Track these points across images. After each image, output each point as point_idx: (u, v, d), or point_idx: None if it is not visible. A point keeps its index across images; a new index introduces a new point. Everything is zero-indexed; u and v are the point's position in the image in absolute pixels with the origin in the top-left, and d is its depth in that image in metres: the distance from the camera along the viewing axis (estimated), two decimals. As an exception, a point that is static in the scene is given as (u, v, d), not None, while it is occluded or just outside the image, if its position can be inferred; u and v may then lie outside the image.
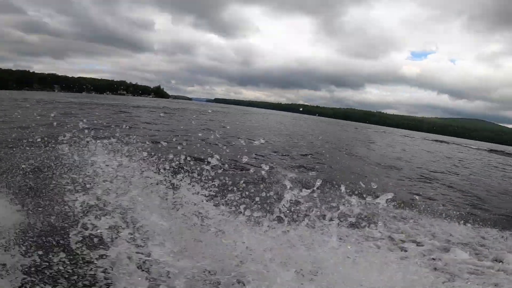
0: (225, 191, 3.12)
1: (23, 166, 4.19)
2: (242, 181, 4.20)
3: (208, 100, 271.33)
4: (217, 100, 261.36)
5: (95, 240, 1.88)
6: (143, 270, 1.79)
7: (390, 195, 2.02)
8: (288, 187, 2.13)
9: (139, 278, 1.75)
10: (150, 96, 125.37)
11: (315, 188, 2.14)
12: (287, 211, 2.20)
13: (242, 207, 2.34)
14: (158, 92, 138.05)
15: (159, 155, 3.45)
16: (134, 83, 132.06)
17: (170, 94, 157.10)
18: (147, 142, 5.52)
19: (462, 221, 4.30)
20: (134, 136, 4.73)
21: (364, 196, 2.24)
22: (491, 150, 29.77)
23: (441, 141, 35.55)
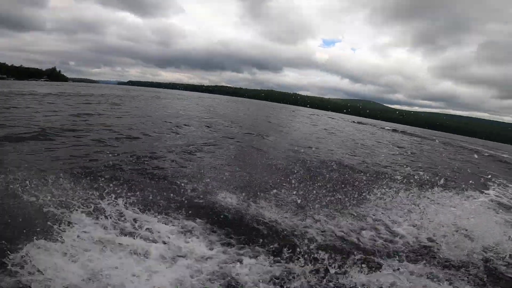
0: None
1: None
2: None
3: (120, 83, 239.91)
4: (132, 83, 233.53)
5: None
6: None
7: None
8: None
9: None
10: (42, 79, 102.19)
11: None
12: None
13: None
14: (54, 75, 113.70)
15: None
16: (18, 65, 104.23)
17: (69, 77, 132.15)
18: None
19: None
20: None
21: None
22: (394, 130, 36.98)
23: (359, 122, 42.17)
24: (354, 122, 41.36)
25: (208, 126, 11.90)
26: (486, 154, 23.52)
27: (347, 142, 13.85)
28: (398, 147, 15.91)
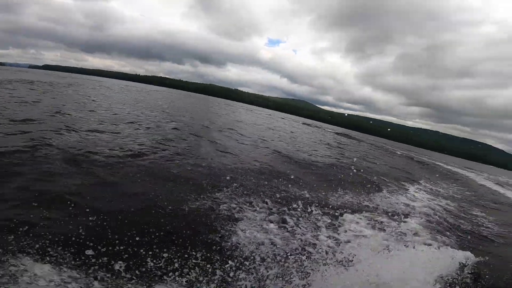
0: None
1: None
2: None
3: (32, 66, 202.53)
4: (48, 67, 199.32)
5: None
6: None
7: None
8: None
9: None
10: None
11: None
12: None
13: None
14: None
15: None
16: None
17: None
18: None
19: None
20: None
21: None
22: (338, 133, 43.19)
23: (307, 124, 47.38)
24: (304, 124, 46.48)
25: (220, 131, 13.49)
26: (403, 154, 30.64)
27: (322, 145, 17.17)
28: (354, 151, 20.17)
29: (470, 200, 10.27)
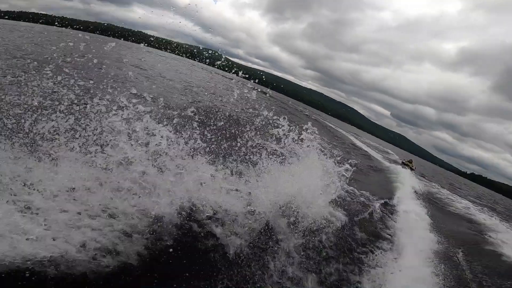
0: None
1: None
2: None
3: None
4: None
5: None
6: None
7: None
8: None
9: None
10: None
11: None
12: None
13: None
14: None
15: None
16: None
17: None
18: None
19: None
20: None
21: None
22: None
23: (231, 79, 51.77)
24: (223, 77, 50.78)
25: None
26: (301, 111, 40.88)
27: (263, 102, 23.47)
28: (280, 107, 27.50)
29: (347, 151, 18.66)
